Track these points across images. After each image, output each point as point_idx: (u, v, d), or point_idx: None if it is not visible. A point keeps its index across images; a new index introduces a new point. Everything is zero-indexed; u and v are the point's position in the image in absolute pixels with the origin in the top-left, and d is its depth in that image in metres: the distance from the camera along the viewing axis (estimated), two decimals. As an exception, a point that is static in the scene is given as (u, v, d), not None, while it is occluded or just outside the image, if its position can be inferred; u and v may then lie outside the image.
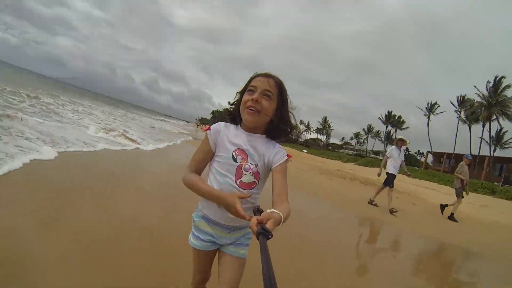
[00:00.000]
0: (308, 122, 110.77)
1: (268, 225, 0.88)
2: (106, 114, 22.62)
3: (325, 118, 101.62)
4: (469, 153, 40.29)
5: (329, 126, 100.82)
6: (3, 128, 5.83)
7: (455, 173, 8.55)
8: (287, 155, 1.37)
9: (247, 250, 1.53)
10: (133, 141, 9.99)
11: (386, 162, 7.95)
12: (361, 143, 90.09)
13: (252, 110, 1.32)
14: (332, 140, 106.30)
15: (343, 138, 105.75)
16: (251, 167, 1.36)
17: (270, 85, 1.34)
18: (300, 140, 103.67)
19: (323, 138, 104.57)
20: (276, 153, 1.36)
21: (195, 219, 1.52)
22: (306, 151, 61.98)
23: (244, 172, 1.36)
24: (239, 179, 1.36)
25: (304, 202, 7.10)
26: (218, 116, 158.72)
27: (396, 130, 68.31)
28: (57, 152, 5.38)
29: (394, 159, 7.80)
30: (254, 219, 0.89)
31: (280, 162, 1.34)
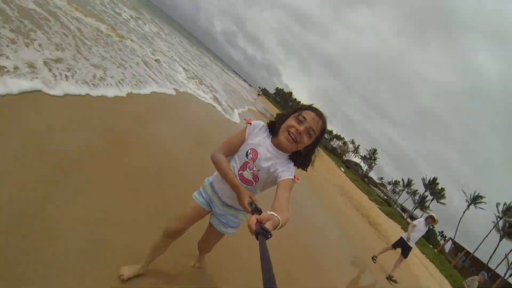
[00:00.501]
0: (358, 145, 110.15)
1: (267, 226, 0.89)
2: (184, 51, 23.90)
3: (375, 150, 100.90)
4: (485, 269, 37.77)
5: (374, 159, 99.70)
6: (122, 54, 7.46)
7: (465, 282, 8.43)
8: (295, 176, 1.45)
9: (229, 230, 1.83)
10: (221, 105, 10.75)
11: (411, 229, 7.75)
12: (395, 192, 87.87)
13: (292, 138, 1.46)
14: (371, 174, 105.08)
15: (381, 178, 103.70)
16: (253, 169, 1.54)
17: (318, 125, 1.48)
18: (343, 157, 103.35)
19: (364, 167, 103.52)
20: (285, 170, 1.46)
21: (205, 181, 1.85)
22: (343, 170, 61.38)
23: (247, 169, 1.55)
24: (242, 172, 1.56)
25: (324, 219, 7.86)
26: (282, 96, 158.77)
27: (432, 200, 65.65)
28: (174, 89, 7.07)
29: (417, 231, 7.71)
30: (253, 218, 0.91)
31: (285, 178, 1.41)
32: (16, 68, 3.06)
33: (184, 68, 12.45)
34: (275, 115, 1.64)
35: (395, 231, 20.90)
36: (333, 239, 7.10)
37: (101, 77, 4.44)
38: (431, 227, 7.86)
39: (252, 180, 1.56)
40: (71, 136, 2.76)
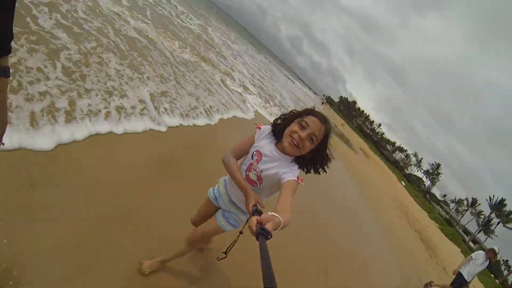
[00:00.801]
0: (421, 159, 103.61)
1: (267, 227, 0.90)
2: (249, 57, 24.15)
3: (438, 165, 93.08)
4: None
5: (438, 175, 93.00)
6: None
7: None
8: (298, 177, 1.44)
9: (227, 226, 1.85)
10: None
11: (467, 262, 7.00)
12: (458, 212, 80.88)
13: (294, 143, 1.46)
14: (434, 190, 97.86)
15: (444, 196, 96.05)
16: (257, 170, 1.57)
17: (320, 131, 1.47)
18: (405, 171, 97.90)
19: (426, 182, 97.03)
20: (288, 171, 1.46)
21: (219, 180, 1.98)
22: (404, 184, 57.75)
23: (252, 170, 1.59)
24: (248, 172, 1.61)
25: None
26: (346, 104, 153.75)
27: (498, 223, 57.91)
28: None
29: (475, 266, 6.85)
30: (254, 219, 0.92)
31: (288, 179, 1.41)
32: (133, 107, 3.47)
33: (254, 85, 12.81)
34: (276, 118, 1.66)
35: (452, 254, 18.99)
36: (379, 251, 6.77)
37: (195, 106, 4.84)
38: (491, 261, 6.71)
39: (257, 181, 1.58)
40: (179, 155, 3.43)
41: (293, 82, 52.12)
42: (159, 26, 8.49)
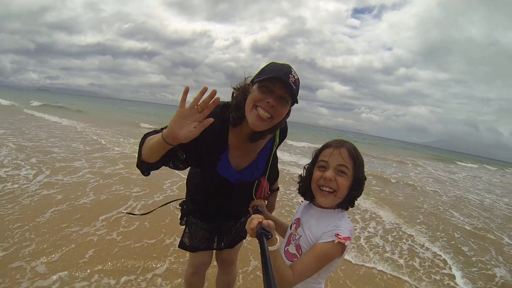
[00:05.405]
0: None
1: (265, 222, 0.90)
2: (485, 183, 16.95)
3: None
4: None
5: None
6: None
7: None
8: (338, 235, 1.06)
9: None
10: None
11: None
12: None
13: (326, 191, 1.15)
14: None
15: None
16: (296, 237, 1.25)
17: (343, 157, 1.14)
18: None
19: None
20: (328, 231, 1.11)
21: None
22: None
23: (292, 240, 1.27)
24: (287, 247, 1.28)
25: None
26: None
27: None
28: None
29: None
30: (255, 219, 0.93)
31: (322, 241, 1.10)
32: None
33: None
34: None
35: None
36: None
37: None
38: None
39: (296, 252, 1.23)
40: None
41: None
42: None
